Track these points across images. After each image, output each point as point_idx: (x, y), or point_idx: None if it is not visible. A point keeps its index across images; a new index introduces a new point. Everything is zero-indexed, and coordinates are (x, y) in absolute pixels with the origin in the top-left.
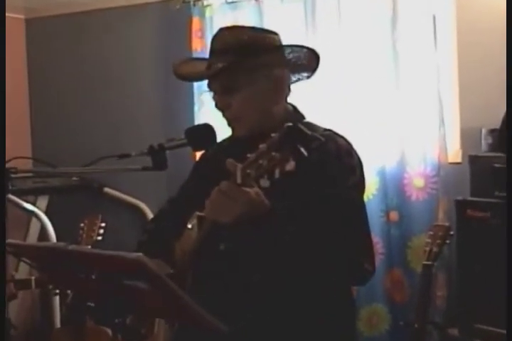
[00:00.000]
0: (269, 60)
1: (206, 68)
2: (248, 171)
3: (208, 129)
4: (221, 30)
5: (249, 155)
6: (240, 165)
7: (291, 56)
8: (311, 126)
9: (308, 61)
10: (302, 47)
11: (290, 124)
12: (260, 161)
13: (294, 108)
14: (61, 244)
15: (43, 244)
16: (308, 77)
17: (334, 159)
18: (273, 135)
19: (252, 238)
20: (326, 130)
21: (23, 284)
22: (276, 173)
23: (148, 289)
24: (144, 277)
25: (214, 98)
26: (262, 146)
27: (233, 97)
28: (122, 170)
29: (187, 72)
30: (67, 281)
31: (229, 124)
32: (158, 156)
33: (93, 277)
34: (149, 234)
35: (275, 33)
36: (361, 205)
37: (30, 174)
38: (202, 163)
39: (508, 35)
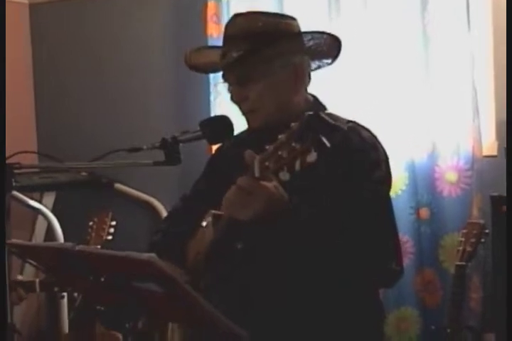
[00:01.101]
0: (287, 48)
1: (221, 58)
2: (266, 164)
3: (224, 121)
4: (235, 16)
5: (267, 146)
6: (258, 157)
7: (311, 43)
8: (333, 117)
9: (329, 47)
10: (322, 33)
11: (311, 113)
12: (279, 153)
13: (315, 98)
14: (68, 244)
15: (49, 244)
16: (329, 64)
17: (358, 152)
18: (293, 124)
19: (271, 236)
20: (349, 122)
21: (27, 287)
22: (297, 165)
23: (160, 291)
24: (157, 279)
25: (229, 90)
26: (281, 137)
27: (250, 89)
28: (132, 164)
29: (200, 63)
30: (75, 284)
31: (244, 115)
32: (171, 150)
33: (102, 279)
34: (162, 233)
35: (293, 19)
36: (387, 201)
37: (35, 169)
38: (217, 157)
39: (508, 35)
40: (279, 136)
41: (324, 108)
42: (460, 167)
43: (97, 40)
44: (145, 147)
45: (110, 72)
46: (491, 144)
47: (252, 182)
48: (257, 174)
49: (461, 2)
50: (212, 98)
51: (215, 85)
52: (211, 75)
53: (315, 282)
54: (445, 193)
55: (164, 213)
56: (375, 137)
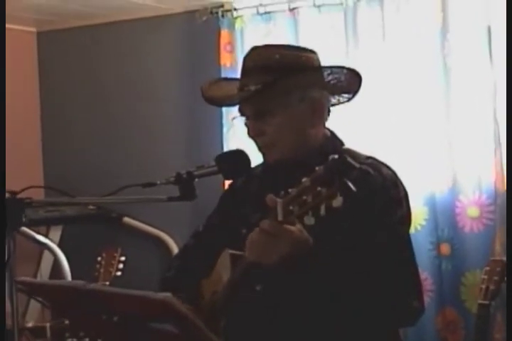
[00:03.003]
0: (306, 82)
1: (238, 90)
2: (291, 207)
3: (241, 156)
4: (254, 48)
5: (290, 190)
6: (280, 201)
7: (330, 77)
8: (351, 153)
9: (348, 82)
10: (342, 67)
11: (336, 157)
12: (304, 197)
13: (332, 133)
14: (79, 282)
15: (60, 282)
16: (349, 99)
17: (380, 192)
18: (317, 168)
19: (293, 278)
20: (368, 158)
21: (37, 332)
22: (322, 210)
23: (175, 332)
24: (172, 319)
25: (246, 124)
26: (305, 180)
27: (267, 123)
28: (146, 200)
29: (216, 96)
30: (86, 324)
31: (260, 150)
32: (186, 185)
33: (115, 319)
34: (174, 270)
35: (313, 52)
36: (408, 239)
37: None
38: (230, 193)
39: (508, 35)
40: (303, 180)
41: (342, 143)
42: (482, 201)
43: (106, 70)
44: (159, 182)
45: (120, 103)
46: None
47: (275, 225)
48: (280, 218)
49: (482, 31)
50: (225, 130)
51: (228, 117)
52: (224, 107)
53: (336, 323)
54: (467, 229)
55: (175, 248)
56: (394, 174)
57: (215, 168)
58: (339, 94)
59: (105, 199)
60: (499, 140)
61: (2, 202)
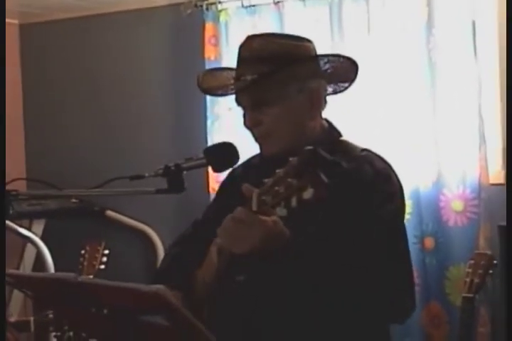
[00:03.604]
0: (304, 72)
1: (234, 80)
2: (264, 198)
3: (229, 148)
4: (250, 37)
5: (265, 180)
6: (256, 191)
7: (327, 66)
8: (347, 145)
9: (345, 71)
10: (339, 56)
11: (310, 148)
12: (276, 188)
13: (330, 124)
14: (70, 274)
15: (49, 274)
16: (346, 88)
17: (370, 185)
18: (291, 159)
19: (274, 270)
20: (363, 150)
21: (21, 326)
22: (294, 202)
23: (166, 326)
24: (163, 312)
25: (244, 113)
26: (279, 171)
27: (264, 113)
28: (134, 192)
29: (213, 86)
30: (74, 317)
31: (256, 141)
32: (174, 178)
33: (105, 312)
34: (169, 260)
35: (309, 41)
36: (400, 235)
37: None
38: (228, 182)
39: (508, 36)
40: (277, 170)
41: (339, 134)
42: (466, 195)
43: (90, 63)
44: (147, 174)
45: (104, 95)
46: (497, 172)
47: (248, 215)
48: (254, 207)
49: (467, 26)
50: (209, 122)
51: (213, 110)
52: (208, 99)
53: (320, 317)
54: (451, 223)
55: (159, 242)
56: (388, 167)
57: (204, 161)
58: (336, 83)
59: (93, 192)
60: (483, 134)
61: (2, 202)
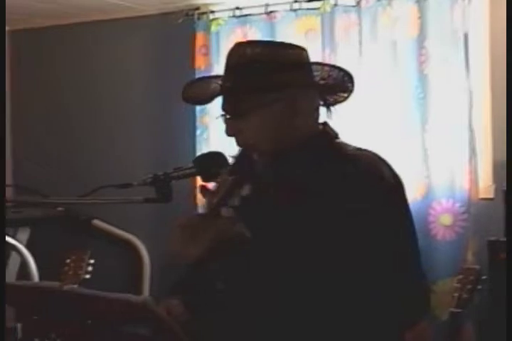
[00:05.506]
0: (286, 80)
1: (220, 88)
2: (211, 200)
3: (219, 158)
4: (236, 44)
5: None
6: (207, 193)
7: (317, 75)
8: (341, 146)
9: (335, 81)
10: (320, 64)
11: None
12: (220, 188)
13: (325, 127)
14: (54, 283)
15: (33, 283)
16: (346, 98)
17: (354, 183)
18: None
19: (240, 274)
20: (358, 149)
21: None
22: (235, 200)
23: (149, 336)
24: (149, 322)
25: (225, 122)
26: (222, 171)
27: (244, 121)
28: (122, 201)
29: (194, 95)
30: (57, 327)
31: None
32: (162, 187)
33: (89, 322)
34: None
35: (302, 49)
36: (403, 232)
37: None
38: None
39: (508, 36)
40: (221, 170)
41: (335, 136)
42: (455, 210)
43: (79, 70)
44: (135, 183)
45: (92, 103)
46: (487, 186)
47: (196, 219)
48: (204, 211)
49: (459, 39)
50: (198, 132)
51: (201, 120)
52: (197, 109)
53: (308, 329)
54: (439, 237)
55: (144, 252)
56: (384, 162)
57: (193, 170)
58: (333, 93)
59: (79, 200)
60: (474, 148)
61: (2, 202)
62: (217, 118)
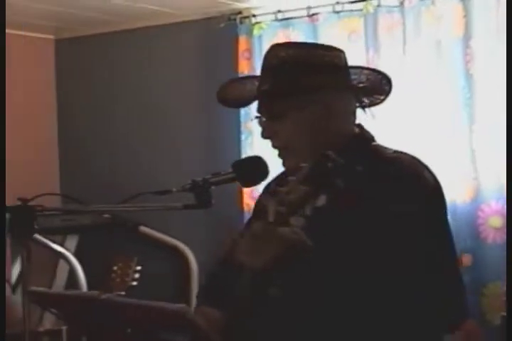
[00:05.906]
0: (321, 82)
1: (257, 90)
2: (279, 208)
3: (259, 162)
4: (273, 46)
5: (280, 188)
6: (272, 202)
7: (356, 78)
8: (378, 149)
9: (373, 83)
10: (366, 68)
11: (322, 152)
12: (290, 196)
13: (361, 130)
14: (94, 292)
15: (73, 292)
16: (382, 101)
17: (392, 187)
18: (303, 166)
19: (300, 281)
20: (395, 152)
21: (52, 336)
22: (308, 210)
23: None
24: (187, 331)
25: (261, 124)
26: (291, 179)
27: (280, 124)
28: (161, 207)
29: (231, 97)
30: (99, 335)
31: (278, 155)
32: (202, 193)
33: (129, 331)
34: (211, 277)
35: (339, 50)
36: (440, 237)
37: (57, 212)
38: (261, 197)
39: (508, 36)
40: (289, 178)
41: (372, 139)
42: (505, 211)
43: (123, 78)
44: (175, 189)
45: (137, 111)
46: None
47: (264, 228)
48: (271, 219)
49: (504, 37)
50: (243, 137)
51: (246, 124)
52: (242, 114)
53: (359, 332)
54: (489, 239)
55: (192, 258)
56: (419, 169)
57: (232, 175)
58: (370, 95)
59: (120, 207)
60: None
61: (2, 203)
62: (252, 120)
